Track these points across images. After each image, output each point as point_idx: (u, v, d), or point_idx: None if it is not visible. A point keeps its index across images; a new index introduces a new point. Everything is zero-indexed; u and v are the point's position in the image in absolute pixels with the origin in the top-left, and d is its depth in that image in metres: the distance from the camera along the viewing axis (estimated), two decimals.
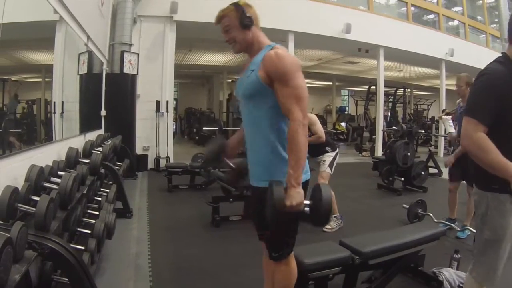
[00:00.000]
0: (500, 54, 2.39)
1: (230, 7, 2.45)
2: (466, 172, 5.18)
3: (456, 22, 17.64)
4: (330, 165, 5.55)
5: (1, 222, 2.32)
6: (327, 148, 5.60)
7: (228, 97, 16.44)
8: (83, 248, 3.21)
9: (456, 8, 17.88)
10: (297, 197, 2.23)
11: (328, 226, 5.42)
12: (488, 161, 2.18)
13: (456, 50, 15.18)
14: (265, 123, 2.42)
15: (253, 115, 2.48)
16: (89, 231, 3.53)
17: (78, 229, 3.52)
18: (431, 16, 16.73)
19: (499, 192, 2.28)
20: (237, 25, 2.43)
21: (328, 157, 5.57)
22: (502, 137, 2.20)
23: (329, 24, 12.19)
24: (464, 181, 5.35)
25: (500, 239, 2.33)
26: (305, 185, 2.48)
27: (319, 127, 5.45)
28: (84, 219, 3.76)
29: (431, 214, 5.72)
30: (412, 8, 15.26)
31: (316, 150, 5.54)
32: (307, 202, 2.32)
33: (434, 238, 3.69)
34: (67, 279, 2.52)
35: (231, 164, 2.77)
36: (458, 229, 5.26)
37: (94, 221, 3.69)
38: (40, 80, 5.71)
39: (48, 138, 5.16)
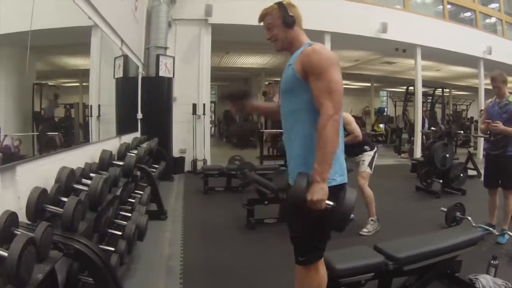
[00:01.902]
0: None
1: (274, 6, 2.52)
2: (502, 178, 5.03)
3: (493, 19, 17.15)
4: (370, 165, 5.47)
5: (29, 223, 2.35)
6: (365, 147, 5.52)
7: (263, 94, 16.25)
8: (112, 249, 3.23)
9: (493, 5, 17.39)
10: (319, 193, 2.18)
11: (365, 230, 5.34)
12: None
13: (494, 47, 14.76)
14: (301, 118, 2.42)
15: (290, 109, 2.49)
16: (120, 233, 3.54)
17: (110, 230, 3.54)
18: (467, 14, 16.31)
19: None
20: (279, 24, 2.50)
21: (367, 156, 5.49)
22: None
23: (365, 23, 12.01)
24: (500, 187, 5.17)
25: None
26: (341, 188, 2.40)
27: (355, 127, 5.37)
28: (116, 220, 3.79)
29: (469, 218, 5.51)
30: (448, 6, 14.92)
31: (354, 149, 5.46)
32: (330, 202, 2.22)
33: (472, 243, 3.55)
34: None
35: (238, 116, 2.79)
36: (497, 233, 5.07)
37: (126, 222, 3.71)
38: (78, 84, 5.81)
39: (85, 141, 5.24)
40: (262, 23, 2.59)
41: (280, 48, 2.57)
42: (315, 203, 2.18)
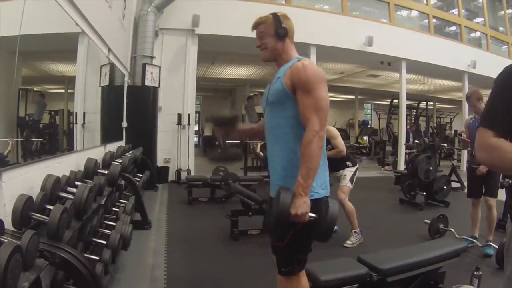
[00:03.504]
0: None
1: (269, 16, 2.54)
2: (485, 188, 5.13)
3: (478, 34, 17.42)
4: (351, 180, 5.48)
5: (15, 230, 2.32)
6: (348, 163, 5.55)
7: (247, 99, 15.82)
8: (97, 258, 3.20)
9: (478, 19, 17.67)
10: (303, 207, 2.22)
11: (348, 242, 5.36)
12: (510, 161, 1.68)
13: (478, 61, 15.00)
14: (286, 131, 2.43)
15: (275, 122, 2.49)
16: (104, 242, 3.52)
17: (94, 239, 3.51)
18: (453, 28, 16.55)
19: None
20: (271, 33, 2.51)
21: (349, 172, 5.52)
22: None
23: (351, 37, 12.15)
24: (484, 196, 5.24)
25: None
26: (323, 201, 2.43)
27: (340, 141, 5.39)
28: (100, 229, 3.76)
29: (453, 230, 5.59)
30: (434, 20, 15.13)
31: (336, 164, 5.47)
32: (313, 214, 2.27)
33: (455, 254, 3.59)
34: None
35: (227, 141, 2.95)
36: (480, 245, 5.13)
37: (110, 231, 3.68)
38: (63, 91, 5.77)
39: (70, 148, 5.20)
40: (254, 31, 2.59)
41: (268, 57, 2.58)
42: (299, 216, 2.21)
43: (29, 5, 3.42)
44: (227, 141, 3.11)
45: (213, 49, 12.06)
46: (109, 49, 6.47)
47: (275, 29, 2.49)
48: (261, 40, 2.55)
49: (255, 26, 2.57)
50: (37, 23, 3.98)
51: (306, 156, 2.26)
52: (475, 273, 3.73)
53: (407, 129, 14.81)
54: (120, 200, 5.14)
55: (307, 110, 2.30)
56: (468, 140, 5.20)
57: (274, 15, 2.52)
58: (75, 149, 5.19)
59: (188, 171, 10.56)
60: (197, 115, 22.31)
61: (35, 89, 4.76)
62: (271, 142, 2.55)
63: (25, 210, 2.38)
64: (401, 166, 13.16)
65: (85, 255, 3.08)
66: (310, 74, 2.34)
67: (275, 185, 2.51)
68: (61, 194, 3.04)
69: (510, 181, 5.77)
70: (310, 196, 2.33)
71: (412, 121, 17.84)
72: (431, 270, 3.46)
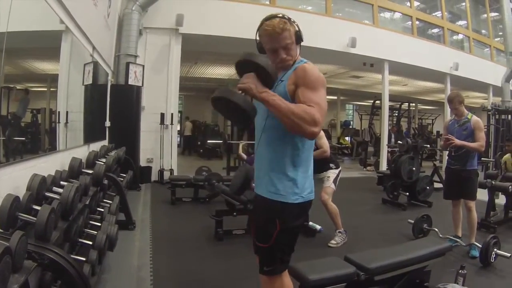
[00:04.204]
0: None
1: (284, 21, 2.33)
2: (463, 190, 5.19)
3: (460, 36, 17.64)
4: (334, 181, 5.52)
5: (1, 231, 2.28)
6: (331, 165, 5.58)
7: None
8: (84, 259, 3.16)
9: (461, 22, 17.91)
10: (252, 89, 2.12)
11: (333, 241, 5.40)
12: None
13: (460, 64, 15.16)
14: (279, 135, 2.36)
15: (273, 123, 2.36)
16: (90, 242, 3.47)
17: (80, 240, 3.47)
18: (436, 30, 16.74)
19: None
20: (294, 41, 2.38)
21: (332, 174, 5.55)
22: None
23: (334, 38, 12.20)
24: (463, 199, 5.30)
25: None
26: (308, 204, 2.47)
27: (325, 142, 5.41)
28: (86, 230, 3.71)
29: (436, 229, 5.66)
30: (417, 22, 15.28)
31: (320, 166, 5.47)
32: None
33: (440, 253, 3.63)
34: None
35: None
36: (464, 244, 5.19)
37: (96, 232, 3.64)
38: (45, 89, 5.70)
39: (52, 148, 5.13)
40: (269, 39, 2.36)
41: (287, 66, 2.41)
42: (245, 86, 2.13)
43: (15, 1, 3.37)
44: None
45: (196, 48, 12.02)
46: (94, 48, 6.40)
47: (297, 36, 2.37)
48: (288, 52, 2.36)
49: (279, 33, 2.30)
50: (22, 20, 3.92)
51: (295, 109, 2.12)
52: (460, 271, 3.80)
53: (389, 130, 14.91)
54: (105, 200, 5.09)
55: (309, 102, 2.17)
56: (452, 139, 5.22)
57: (289, 20, 2.34)
58: (57, 149, 5.11)
59: (171, 171, 10.53)
60: (179, 114, 22.24)
61: (17, 87, 4.69)
62: (265, 144, 2.47)
63: (12, 211, 2.34)
64: (383, 166, 13.28)
65: (72, 256, 3.04)
66: (315, 75, 2.29)
67: (260, 181, 2.49)
68: (47, 194, 3.00)
69: (493, 182, 5.90)
70: (295, 200, 2.36)
71: (394, 122, 17.98)
72: (417, 269, 3.48)
